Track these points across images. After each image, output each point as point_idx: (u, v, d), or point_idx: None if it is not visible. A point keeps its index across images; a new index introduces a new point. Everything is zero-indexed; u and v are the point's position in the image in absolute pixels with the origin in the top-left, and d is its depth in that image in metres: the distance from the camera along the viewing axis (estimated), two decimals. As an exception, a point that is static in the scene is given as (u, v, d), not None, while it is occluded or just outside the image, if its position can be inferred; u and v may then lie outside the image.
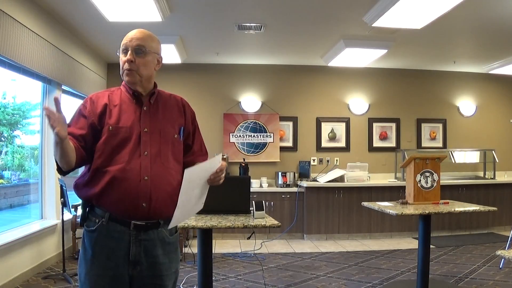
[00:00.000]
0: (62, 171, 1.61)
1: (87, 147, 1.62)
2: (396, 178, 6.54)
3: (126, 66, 1.66)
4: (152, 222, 1.62)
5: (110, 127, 1.62)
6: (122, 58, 1.68)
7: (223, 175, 1.68)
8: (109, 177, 1.57)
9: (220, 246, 5.45)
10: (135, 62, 1.66)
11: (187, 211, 1.67)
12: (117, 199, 1.57)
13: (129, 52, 1.66)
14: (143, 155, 1.62)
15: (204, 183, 1.64)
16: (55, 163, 1.61)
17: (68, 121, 1.55)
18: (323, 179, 6.06)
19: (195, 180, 1.58)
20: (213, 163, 1.63)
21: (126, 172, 1.58)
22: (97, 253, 1.58)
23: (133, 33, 1.70)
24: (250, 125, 6.48)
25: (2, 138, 4.41)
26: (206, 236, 2.62)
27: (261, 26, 4.67)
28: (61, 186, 4.04)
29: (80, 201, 1.70)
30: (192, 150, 1.85)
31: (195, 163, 1.78)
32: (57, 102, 1.45)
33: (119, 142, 1.62)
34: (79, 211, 4.71)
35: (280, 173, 6.18)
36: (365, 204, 3.74)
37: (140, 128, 1.66)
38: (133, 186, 1.57)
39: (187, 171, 1.51)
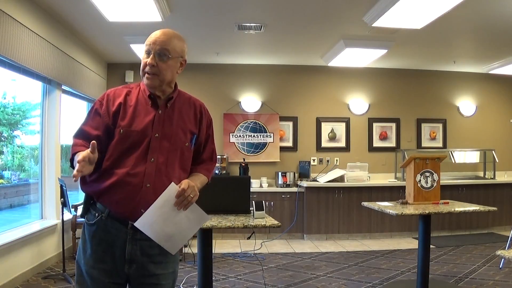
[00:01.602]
0: None
1: (102, 149, 1.59)
2: (396, 178, 6.54)
3: (148, 69, 1.61)
4: None
5: (121, 130, 1.60)
6: (144, 59, 1.63)
7: (191, 194, 1.55)
8: (114, 179, 1.56)
9: (220, 246, 5.45)
10: (157, 66, 1.60)
11: (183, 236, 1.63)
12: (117, 200, 1.57)
13: (151, 56, 1.60)
14: (149, 162, 1.60)
15: (175, 214, 1.55)
16: (67, 165, 1.58)
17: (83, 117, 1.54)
18: (323, 179, 6.05)
19: (158, 224, 1.53)
20: (168, 195, 1.54)
21: (130, 177, 1.57)
22: (95, 245, 1.60)
23: (157, 35, 1.62)
24: (250, 125, 6.48)
25: (2, 138, 4.40)
26: (206, 236, 2.62)
27: (261, 26, 4.67)
28: (61, 186, 4.04)
29: (79, 201, 1.71)
30: (201, 158, 1.81)
31: (197, 171, 1.77)
32: (93, 146, 1.43)
33: (129, 146, 1.60)
34: (79, 211, 4.72)
35: (280, 173, 6.18)
36: (365, 204, 3.75)
37: (152, 133, 1.62)
38: (134, 192, 1.57)
39: (139, 225, 1.50)
